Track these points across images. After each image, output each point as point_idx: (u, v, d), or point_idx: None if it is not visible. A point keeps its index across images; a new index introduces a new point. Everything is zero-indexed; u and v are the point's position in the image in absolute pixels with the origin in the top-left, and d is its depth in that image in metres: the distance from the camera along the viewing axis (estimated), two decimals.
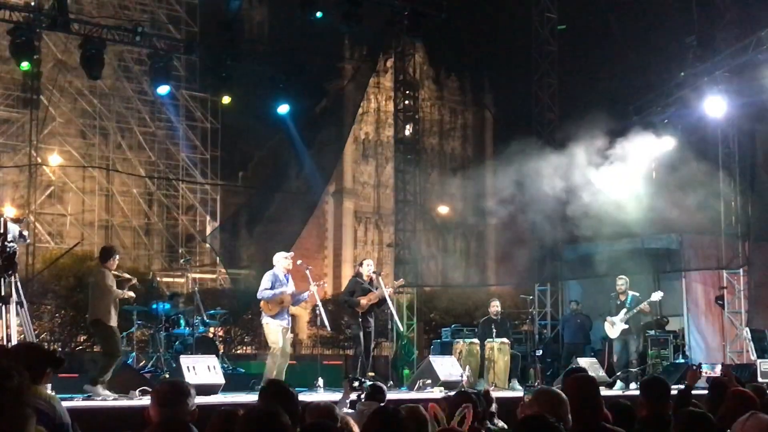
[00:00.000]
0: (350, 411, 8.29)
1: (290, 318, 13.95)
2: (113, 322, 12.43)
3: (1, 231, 9.89)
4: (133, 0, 35.25)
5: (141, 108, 35.65)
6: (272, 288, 13.52)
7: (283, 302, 13.58)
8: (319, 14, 17.12)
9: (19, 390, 2.84)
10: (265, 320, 13.68)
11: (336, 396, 13.41)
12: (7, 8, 16.58)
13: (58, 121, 33.78)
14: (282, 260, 13.90)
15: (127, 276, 13.33)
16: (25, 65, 16.56)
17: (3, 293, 9.86)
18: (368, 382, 9.11)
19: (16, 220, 10.46)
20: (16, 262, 10.08)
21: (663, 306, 19.89)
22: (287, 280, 13.78)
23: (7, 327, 9.85)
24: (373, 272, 15.14)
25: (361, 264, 15.76)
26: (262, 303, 13.64)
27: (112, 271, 12.62)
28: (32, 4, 26.66)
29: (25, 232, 10.63)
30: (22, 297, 10.31)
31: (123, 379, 13.27)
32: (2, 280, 9.88)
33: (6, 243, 9.88)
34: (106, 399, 11.66)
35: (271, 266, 13.97)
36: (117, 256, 12.93)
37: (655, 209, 19.23)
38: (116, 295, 12.42)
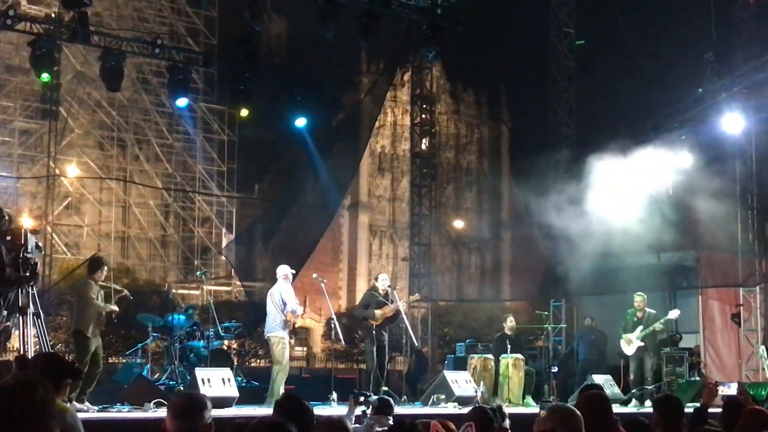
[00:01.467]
0: (357, 426, 8.27)
1: None
2: (92, 334, 12.24)
3: (22, 242, 9.92)
4: (153, 12, 35.44)
5: (159, 120, 35.80)
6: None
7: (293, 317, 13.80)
8: (330, 34, 17.19)
9: (44, 402, 2.86)
10: (282, 335, 13.80)
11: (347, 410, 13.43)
12: (28, 20, 16.69)
13: (76, 133, 33.97)
14: (290, 274, 14.13)
15: (117, 288, 13.26)
16: (45, 77, 16.64)
17: (21, 304, 9.89)
18: (374, 396, 9.10)
19: (33, 232, 10.50)
20: (37, 273, 10.10)
21: (679, 323, 19.81)
22: None
23: (24, 338, 9.88)
24: (388, 286, 15.16)
25: (376, 278, 15.81)
26: (286, 315, 13.74)
27: (99, 283, 12.53)
28: (53, 16, 26.86)
29: (40, 244, 10.67)
30: (39, 308, 10.34)
31: (138, 391, 13.29)
32: (21, 291, 9.91)
33: (27, 254, 9.91)
34: (154, 411, 11.64)
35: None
36: (105, 268, 12.82)
37: (672, 225, 19.17)
38: (98, 308, 12.28)
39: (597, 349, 19.60)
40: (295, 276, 14.80)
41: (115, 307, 12.68)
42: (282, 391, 13.30)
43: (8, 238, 9.91)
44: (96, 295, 12.28)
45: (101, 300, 12.33)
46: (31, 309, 9.96)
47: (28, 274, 9.85)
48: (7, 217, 10.05)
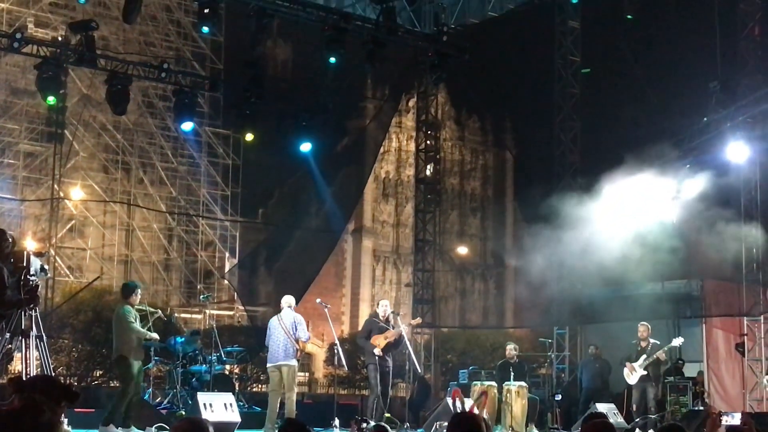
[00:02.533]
0: None
1: None
2: (136, 358, 12.48)
3: (24, 264, 9.92)
4: (159, 37, 35.57)
5: (164, 144, 35.85)
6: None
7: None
8: (332, 60, 17.27)
9: (51, 425, 2.86)
10: (294, 363, 13.89)
11: None
12: (35, 43, 16.79)
13: (81, 156, 34.00)
14: (294, 303, 14.26)
15: (151, 310, 13.44)
16: (51, 100, 16.72)
17: (24, 326, 9.88)
18: (372, 423, 9.06)
19: (38, 254, 10.49)
20: (39, 295, 10.10)
21: (683, 352, 19.75)
22: None
23: (27, 360, 9.86)
24: (391, 312, 15.15)
25: (378, 304, 15.81)
26: (302, 345, 13.89)
27: (135, 306, 12.69)
28: (60, 39, 26.98)
29: (46, 266, 10.67)
30: (42, 330, 10.34)
31: (139, 415, 13.26)
32: (23, 313, 9.91)
33: (29, 276, 9.90)
34: None
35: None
36: (139, 291, 12.98)
37: (677, 254, 19.13)
38: (137, 333, 12.49)
39: (600, 378, 19.53)
40: (297, 302, 14.88)
41: (155, 335, 12.86)
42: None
43: (11, 260, 9.91)
44: (134, 320, 12.43)
45: (139, 323, 12.51)
46: (34, 332, 9.95)
47: (28, 296, 9.84)
48: (10, 240, 10.05)
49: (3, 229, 10.35)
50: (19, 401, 3.83)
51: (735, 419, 15.51)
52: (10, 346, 10.01)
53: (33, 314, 9.98)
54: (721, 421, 11.86)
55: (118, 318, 12.61)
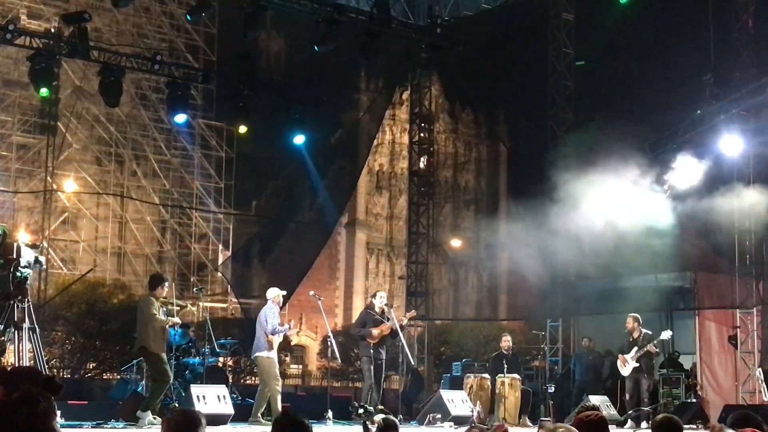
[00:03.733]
0: None
1: None
2: (158, 349, 12.52)
3: (14, 257, 9.90)
4: (152, 29, 35.49)
5: (157, 136, 35.80)
6: (281, 324, 13.91)
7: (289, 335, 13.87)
8: (329, 52, 17.26)
9: (45, 415, 2.86)
10: (269, 355, 13.88)
11: (345, 429, 13.39)
12: (28, 35, 16.74)
13: (74, 148, 33.93)
14: (279, 297, 14.20)
15: (181, 303, 13.61)
16: (44, 91, 16.69)
17: (17, 318, 9.88)
18: (380, 416, 9.06)
19: (32, 246, 10.48)
20: (27, 288, 10.08)
21: (675, 344, 19.79)
22: (281, 313, 14.30)
23: (19, 353, 9.86)
24: (385, 304, 15.15)
25: (374, 296, 15.81)
26: (272, 338, 13.82)
27: (161, 299, 12.78)
28: (52, 31, 26.88)
29: (42, 258, 10.65)
30: (35, 323, 10.33)
31: (132, 406, 13.26)
32: (15, 305, 9.90)
33: (20, 269, 9.89)
34: (152, 424, 11.76)
35: (284, 298, 14.15)
36: (166, 284, 13.07)
37: (669, 247, 19.16)
38: (160, 323, 12.52)
39: (594, 371, 19.58)
40: (290, 295, 14.88)
41: (177, 320, 12.91)
42: (279, 408, 13.34)
43: (1, 252, 9.90)
44: (157, 311, 12.48)
45: (162, 314, 12.56)
46: (27, 324, 9.95)
47: (16, 289, 9.83)
48: (0, 232, 10.03)
49: None
50: (5, 392, 3.82)
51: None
52: (2, 338, 10.01)
53: (25, 306, 9.97)
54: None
55: (140, 309, 12.74)
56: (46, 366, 11.05)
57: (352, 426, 13.97)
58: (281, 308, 14.30)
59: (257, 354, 14.05)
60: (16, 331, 9.88)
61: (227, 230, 37.97)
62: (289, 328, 14.59)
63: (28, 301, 10.20)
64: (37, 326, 10.39)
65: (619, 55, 23.11)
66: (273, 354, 13.93)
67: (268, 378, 13.88)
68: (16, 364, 9.55)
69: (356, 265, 51.06)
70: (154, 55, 17.80)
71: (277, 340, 13.91)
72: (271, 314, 13.93)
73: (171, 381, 13.09)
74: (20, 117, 33.20)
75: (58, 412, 9.96)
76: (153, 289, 12.98)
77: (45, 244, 28.42)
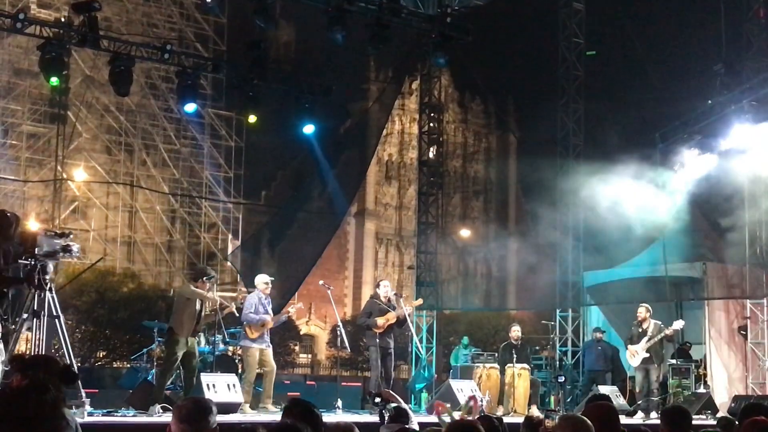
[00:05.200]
0: None
1: (269, 338, 14.27)
2: (182, 334, 12.64)
3: (30, 245, 9.89)
4: (162, 18, 35.52)
5: (166, 125, 35.87)
6: (255, 312, 13.81)
7: (264, 326, 13.80)
8: (339, 41, 17.20)
9: (55, 402, 2.87)
10: (246, 343, 13.93)
11: (354, 417, 13.41)
12: (38, 24, 16.73)
13: (84, 137, 34.02)
14: (262, 284, 14.14)
15: (225, 303, 13.72)
16: (54, 81, 16.66)
17: (35, 307, 9.91)
18: (392, 404, 9.06)
19: (61, 234, 10.42)
20: (44, 277, 10.03)
21: (685, 335, 19.77)
22: (268, 303, 14.10)
23: (37, 341, 9.89)
24: (393, 293, 15.16)
25: (378, 285, 15.82)
26: (246, 327, 13.87)
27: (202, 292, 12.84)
28: (62, 20, 26.92)
29: (75, 247, 10.54)
30: (59, 310, 10.39)
31: (143, 395, 13.30)
32: (36, 294, 9.93)
33: (38, 257, 9.88)
34: (160, 415, 11.82)
35: (293, 287, 14.13)
36: (207, 280, 13.12)
37: (680, 237, 19.11)
38: (191, 295, 12.69)
39: (603, 360, 19.58)
40: (300, 284, 14.84)
41: (212, 296, 12.79)
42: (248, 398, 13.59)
43: (18, 240, 9.90)
44: (191, 296, 12.61)
45: (198, 304, 12.61)
46: (45, 312, 9.98)
47: (28, 277, 9.84)
48: (12, 220, 10.01)
49: (3, 210, 10.35)
50: (22, 379, 3.84)
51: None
52: (13, 326, 10.04)
53: (40, 295, 9.98)
54: None
55: (177, 294, 12.89)
56: (71, 354, 11.05)
57: (362, 414, 13.99)
58: (291, 297, 14.28)
59: (240, 344, 14.27)
60: (34, 320, 9.90)
61: (236, 220, 38.05)
62: (287, 317, 14.52)
63: (50, 290, 10.19)
64: (60, 314, 10.46)
65: (629, 45, 23.00)
66: (254, 344, 13.91)
67: (246, 367, 13.96)
68: (33, 352, 9.58)
69: (365, 254, 51.12)
70: (163, 44, 17.76)
71: (256, 329, 13.85)
72: (248, 303, 14.07)
73: (172, 371, 13.08)
74: (30, 106, 33.28)
75: (87, 401, 10.02)
76: (195, 280, 13.23)
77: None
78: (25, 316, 9.94)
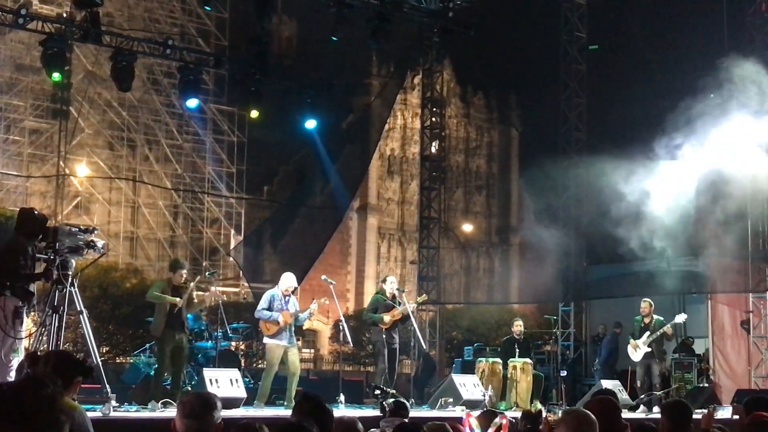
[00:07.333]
0: (373, 430, 8.25)
1: (293, 336, 14.12)
2: (161, 332, 12.62)
3: (50, 240, 9.85)
4: (164, 13, 35.49)
5: (169, 121, 35.84)
6: (269, 309, 13.75)
7: (280, 323, 13.74)
8: (340, 36, 17.20)
9: (53, 397, 2.86)
10: (264, 339, 13.98)
11: (357, 412, 13.42)
12: (40, 19, 16.74)
13: (86, 133, 34.01)
14: (285, 284, 14.05)
15: (201, 287, 13.66)
16: (56, 76, 16.67)
17: (56, 303, 9.90)
18: (391, 398, 9.09)
19: (85, 230, 10.32)
20: (64, 273, 9.93)
21: (688, 329, 19.77)
22: (287, 301, 13.92)
23: (58, 337, 9.87)
24: (397, 289, 15.16)
25: (384, 280, 15.82)
26: (260, 323, 13.88)
27: (180, 284, 12.79)
28: (64, 15, 26.92)
29: (100, 243, 10.37)
30: (82, 306, 10.38)
31: (145, 390, 13.32)
32: (57, 290, 9.90)
33: (61, 252, 9.84)
34: (161, 411, 11.82)
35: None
36: (181, 270, 13.08)
37: (682, 231, 19.11)
38: (151, 299, 12.67)
39: (607, 355, 19.59)
40: (302, 279, 14.84)
41: (176, 299, 12.66)
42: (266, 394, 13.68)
43: (40, 237, 9.89)
44: (158, 290, 12.55)
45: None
46: (64, 308, 9.97)
47: (44, 272, 9.82)
48: (39, 218, 9.98)
49: (32, 209, 10.32)
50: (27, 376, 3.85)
51: (726, 412, 15.47)
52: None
53: (62, 290, 9.95)
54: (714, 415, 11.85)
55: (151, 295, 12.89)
56: (95, 349, 11.02)
57: (364, 409, 14.00)
58: (293, 294, 14.24)
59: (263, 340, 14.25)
60: (54, 315, 9.89)
61: (239, 215, 38.06)
62: (310, 314, 14.44)
63: (72, 285, 10.13)
64: (84, 309, 10.45)
65: (631, 39, 23.00)
66: (272, 340, 13.86)
67: (266, 363, 14.02)
68: (51, 347, 9.57)
69: (368, 249, 51.08)
70: (165, 39, 17.79)
71: (271, 325, 13.80)
72: (262, 299, 14.03)
73: (163, 370, 12.93)
74: (32, 102, 33.27)
75: (113, 396, 10.02)
76: (173, 272, 13.12)
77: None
78: (49, 311, 9.91)
